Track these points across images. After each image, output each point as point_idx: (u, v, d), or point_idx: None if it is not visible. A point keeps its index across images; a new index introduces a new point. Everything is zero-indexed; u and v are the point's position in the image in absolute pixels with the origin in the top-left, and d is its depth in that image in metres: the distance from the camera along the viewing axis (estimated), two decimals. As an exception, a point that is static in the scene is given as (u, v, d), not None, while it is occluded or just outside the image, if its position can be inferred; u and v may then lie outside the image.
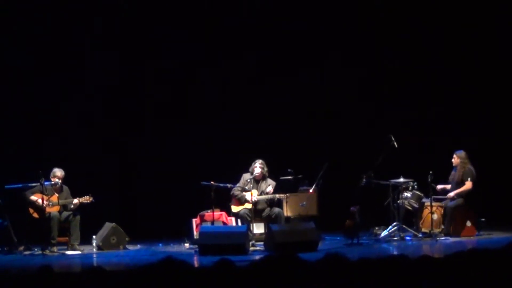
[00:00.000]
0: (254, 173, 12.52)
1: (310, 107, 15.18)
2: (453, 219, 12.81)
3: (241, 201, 12.51)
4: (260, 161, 12.62)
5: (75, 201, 12.33)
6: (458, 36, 15.04)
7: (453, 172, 13.18)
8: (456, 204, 12.86)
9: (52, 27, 14.46)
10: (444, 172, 13.17)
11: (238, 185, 12.60)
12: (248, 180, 12.48)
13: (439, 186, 13.13)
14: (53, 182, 12.37)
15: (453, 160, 13.14)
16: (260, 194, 12.53)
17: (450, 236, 12.69)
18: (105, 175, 14.54)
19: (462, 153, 13.07)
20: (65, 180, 12.55)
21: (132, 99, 14.97)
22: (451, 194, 13.02)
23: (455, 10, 15.04)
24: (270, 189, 12.45)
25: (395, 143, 12.75)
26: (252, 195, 12.34)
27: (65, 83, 14.62)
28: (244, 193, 12.50)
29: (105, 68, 14.68)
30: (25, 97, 14.42)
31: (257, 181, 12.59)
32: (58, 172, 12.46)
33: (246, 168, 12.74)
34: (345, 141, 14.93)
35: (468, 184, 12.91)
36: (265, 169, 12.61)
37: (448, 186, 13.18)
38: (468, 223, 12.81)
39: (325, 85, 15.19)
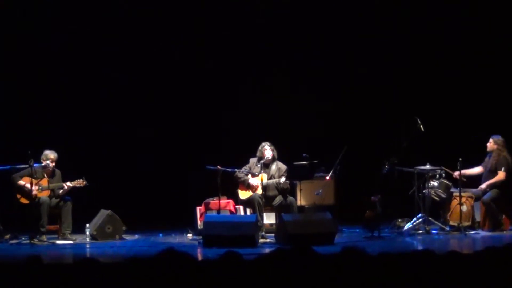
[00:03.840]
0: (264, 157, 12.52)
1: (326, 83, 15.13)
2: (489, 213, 12.74)
3: (245, 184, 12.53)
4: (268, 143, 12.63)
5: (67, 184, 12.32)
6: (495, 13, 14.94)
7: (486, 159, 13.08)
8: (492, 197, 12.77)
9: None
10: (475, 159, 13.11)
11: (244, 167, 12.61)
12: (258, 165, 12.46)
13: (476, 189, 13.10)
14: (43, 164, 12.37)
15: (488, 144, 13.04)
16: (270, 178, 12.53)
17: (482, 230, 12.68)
18: (100, 157, 14.56)
19: (499, 138, 12.97)
20: (57, 163, 12.54)
21: (131, 80, 15.00)
22: (483, 186, 12.93)
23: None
24: (283, 180, 12.42)
25: (421, 126, 12.69)
26: (262, 180, 12.33)
27: (62, 59, 14.77)
28: (248, 176, 12.50)
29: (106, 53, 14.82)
30: (16, 74, 14.52)
31: (266, 164, 12.59)
32: (51, 154, 12.43)
33: (255, 152, 12.74)
34: (366, 123, 14.90)
35: (500, 174, 12.84)
36: (275, 151, 12.63)
37: (482, 186, 13.06)
38: (502, 217, 12.77)
39: (343, 60, 15.14)
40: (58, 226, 12.43)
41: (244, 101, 14.96)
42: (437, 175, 12.86)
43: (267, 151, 12.57)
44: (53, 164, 12.47)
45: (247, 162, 12.72)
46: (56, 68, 14.75)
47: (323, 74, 15.13)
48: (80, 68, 14.84)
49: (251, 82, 15.00)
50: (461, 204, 12.69)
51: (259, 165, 12.47)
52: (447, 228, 12.70)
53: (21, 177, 12.31)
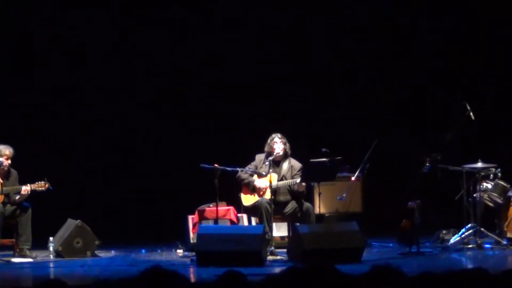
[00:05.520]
0: (274, 153, 12.49)
1: (351, 60, 15.14)
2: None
3: (249, 187, 12.52)
4: (279, 135, 12.60)
5: (25, 188, 12.31)
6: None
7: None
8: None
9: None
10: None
11: (248, 166, 12.60)
12: (266, 163, 12.44)
13: None
14: (-4, 162, 12.41)
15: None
16: (281, 180, 12.51)
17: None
18: (66, 155, 14.57)
19: None
20: (14, 162, 12.54)
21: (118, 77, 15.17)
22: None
23: None
24: (297, 181, 12.41)
25: (471, 113, 12.67)
26: (271, 181, 12.30)
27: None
28: (254, 177, 12.50)
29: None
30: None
31: (277, 162, 12.58)
32: (6, 150, 12.42)
33: (262, 147, 12.74)
34: (401, 110, 14.90)
35: None
36: (287, 145, 12.60)
37: None
38: None
39: (374, 37, 15.18)
40: (14, 240, 12.44)
41: (248, 86, 14.94)
42: (492, 175, 12.84)
43: (278, 145, 12.55)
44: (8, 162, 12.46)
45: (253, 159, 12.72)
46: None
47: (348, 51, 15.14)
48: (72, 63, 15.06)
49: (257, 66, 15.01)
50: (521, 211, 12.71)
51: (267, 162, 12.45)
52: (504, 242, 12.69)
53: (-33, 179, 12.35)
